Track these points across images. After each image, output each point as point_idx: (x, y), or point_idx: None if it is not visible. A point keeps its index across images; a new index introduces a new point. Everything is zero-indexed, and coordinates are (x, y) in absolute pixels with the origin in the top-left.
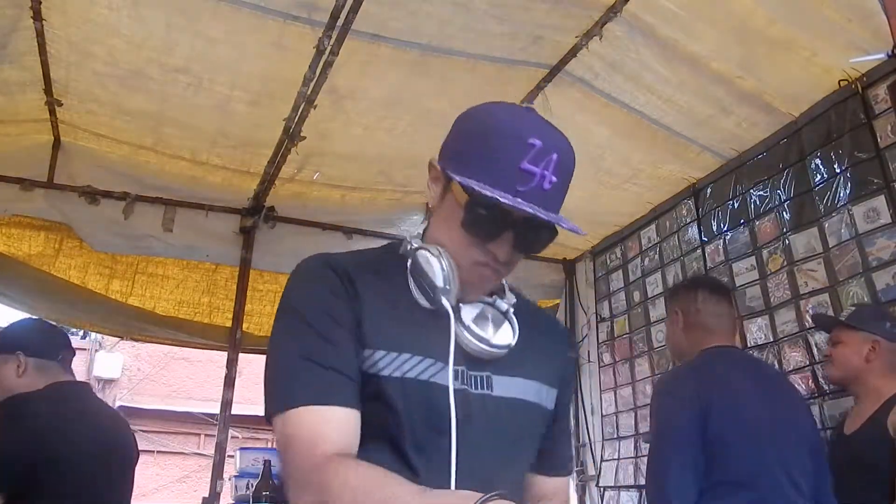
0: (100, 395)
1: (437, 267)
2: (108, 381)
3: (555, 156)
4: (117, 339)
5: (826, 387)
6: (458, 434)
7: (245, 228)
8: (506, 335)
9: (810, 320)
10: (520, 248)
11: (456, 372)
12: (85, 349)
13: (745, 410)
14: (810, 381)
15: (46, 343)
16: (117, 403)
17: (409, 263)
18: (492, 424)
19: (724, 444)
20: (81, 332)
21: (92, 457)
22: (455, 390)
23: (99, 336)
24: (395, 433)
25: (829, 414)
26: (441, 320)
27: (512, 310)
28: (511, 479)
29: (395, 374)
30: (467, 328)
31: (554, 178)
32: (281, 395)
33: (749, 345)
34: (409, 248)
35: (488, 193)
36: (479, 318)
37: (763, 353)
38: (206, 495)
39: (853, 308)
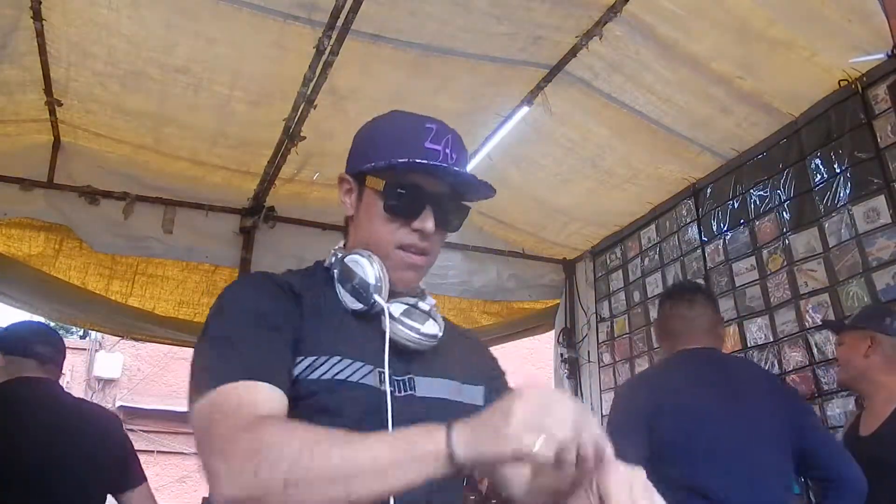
0: (99, 395)
1: (366, 266)
2: (108, 381)
3: (450, 136)
4: (117, 339)
5: (826, 386)
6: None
7: (245, 229)
8: (433, 327)
9: (816, 322)
10: (440, 224)
11: (380, 375)
12: (85, 349)
13: (694, 416)
14: (810, 381)
15: (15, 340)
16: (117, 403)
17: (335, 273)
18: (416, 423)
19: (674, 451)
20: (81, 332)
21: (31, 457)
22: (380, 392)
23: (99, 336)
24: None
25: (829, 414)
26: (370, 323)
27: (434, 309)
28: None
29: (326, 376)
30: (397, 319)
31: (455, 155)
32: (206, 378)
33: (749, 345)
34: (333, 259)
35: (406, 160)
36: (407, 314)
37: (763, 353)
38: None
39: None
